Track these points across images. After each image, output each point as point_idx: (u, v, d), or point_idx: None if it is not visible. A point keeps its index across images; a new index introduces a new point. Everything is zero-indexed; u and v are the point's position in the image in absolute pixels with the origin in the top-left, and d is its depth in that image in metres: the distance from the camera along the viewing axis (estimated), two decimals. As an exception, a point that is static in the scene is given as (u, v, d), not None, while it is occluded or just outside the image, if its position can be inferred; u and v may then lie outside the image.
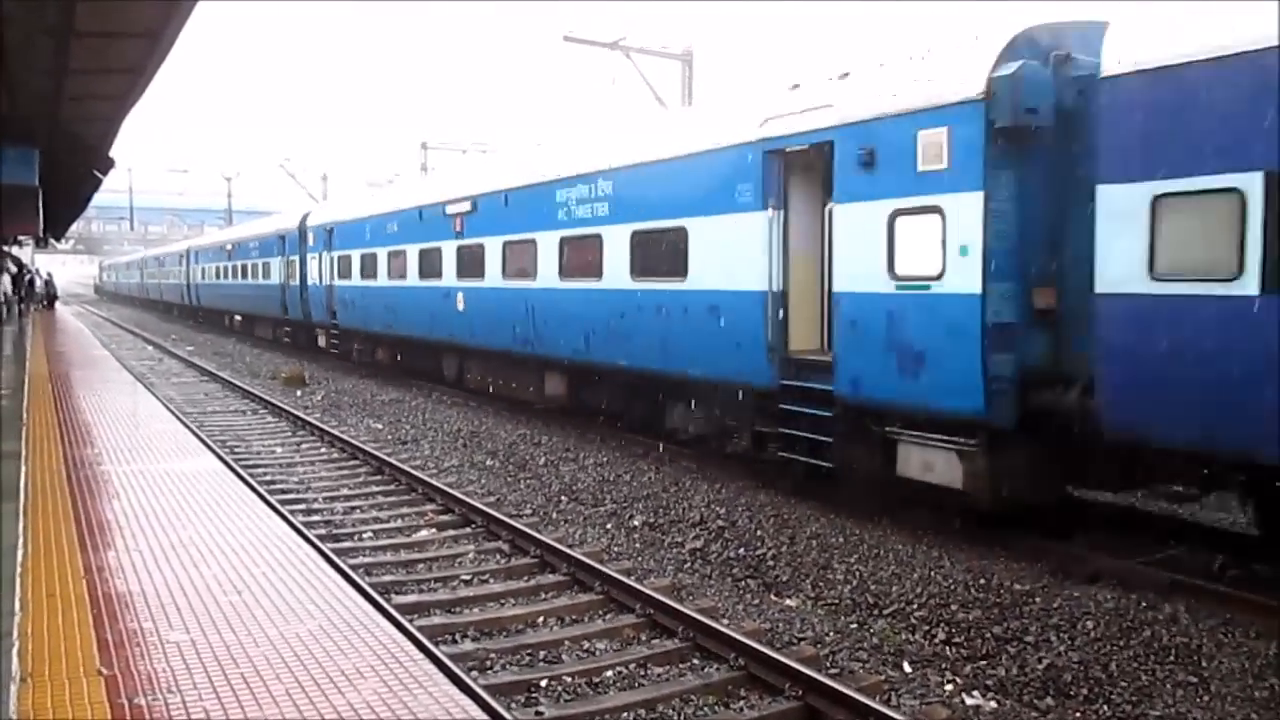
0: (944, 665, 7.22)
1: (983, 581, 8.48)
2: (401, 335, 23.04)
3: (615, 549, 10.27)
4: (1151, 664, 6.93)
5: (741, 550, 9.89)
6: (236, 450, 15.30)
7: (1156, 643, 7.19)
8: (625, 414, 15.36)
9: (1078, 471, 9.41)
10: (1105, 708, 6.43)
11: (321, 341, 29.06)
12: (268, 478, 13.30)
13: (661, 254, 13.01)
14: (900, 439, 9.82)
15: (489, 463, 14.52)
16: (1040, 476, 9.21)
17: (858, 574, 8.99)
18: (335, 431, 16.53)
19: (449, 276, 19.31)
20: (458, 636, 7.67)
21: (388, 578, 9.11)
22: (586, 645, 7.55)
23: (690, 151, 12.57)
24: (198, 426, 15.75)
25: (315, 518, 11.27)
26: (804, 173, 11.15)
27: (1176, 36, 7.69)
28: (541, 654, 7.35)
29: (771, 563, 9.50)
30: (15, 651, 4.86)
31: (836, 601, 8.56)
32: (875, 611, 8.26)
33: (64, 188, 22.81)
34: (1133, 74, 7.80)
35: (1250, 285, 7.07)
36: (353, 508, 11.92)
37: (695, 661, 7.24)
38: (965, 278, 8.95)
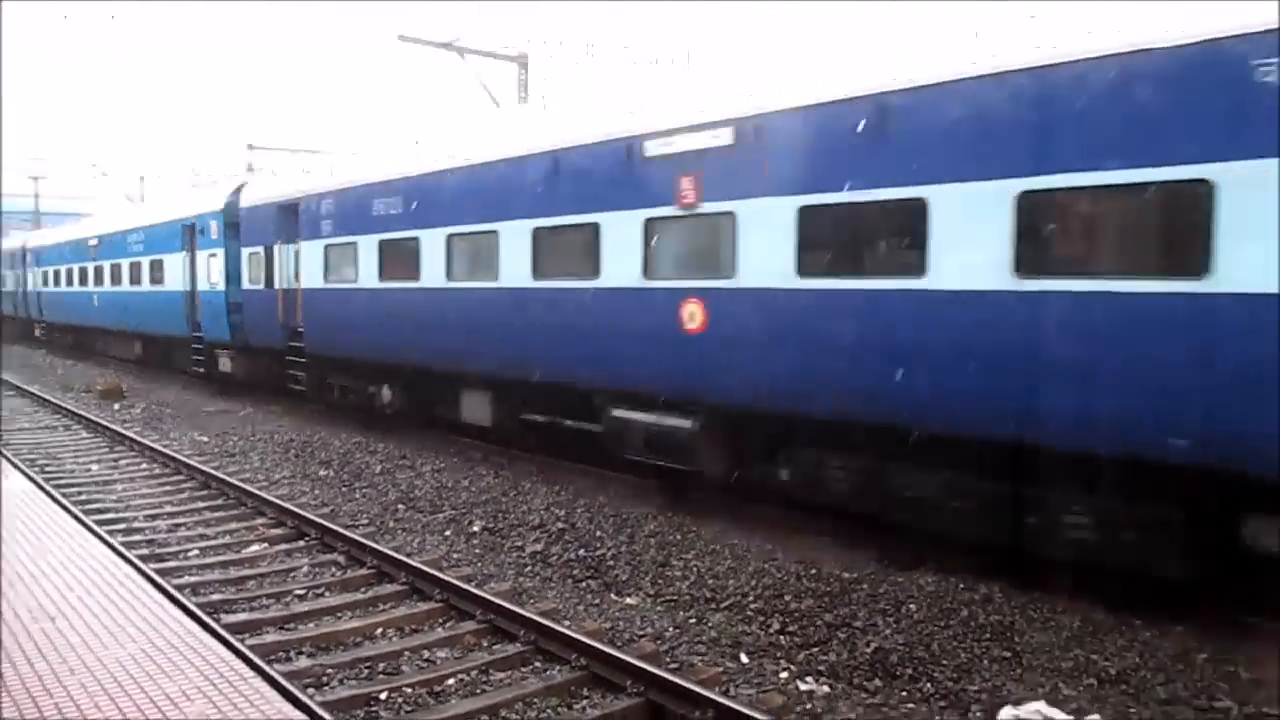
0: (779, 654, 7.46)
1: (814, 572, 8.82)
2: (72, 324, 35.15)
3: (454, 556, 10.18)
4: (970, 642, 7.35)
5: (582, 551, 9.96)
6: (48, 469, 14.41)
7: (974, 621, 7.63)
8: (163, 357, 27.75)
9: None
10: (929, 685, 6.78)
11: (37, 332, 40.70)
12: (83, 497, 12.58)
13: (154, 272, 25.46)
14: (219, 354, 21.77)
15: (322, 473, 14.15)
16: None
17: (695, 570, 9.20)
18: (157, 446, 15.77)
19: (91, 284, 31.55)
20: (292, 653, 7.46)
21: (216, 596, 8.77)
22: (427, 654, 7.47)
23: (163, 220, 24.94)
24: (3, 445, 14.74)
25: (136, 537, 10.74)
26: (196, 236, 22.61)
27: (249, 195, 20.18)
28: (380, 666, 7.23)
29: (611, 562, 9.61)
30: None
31: (675, 598, 8.73)
32: (713, 605, 8.47)
33: None
34: (244, 207, 20.02)
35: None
36: (177, 525, 11.41)
37: (537, 664, 7.27)
38: (222, 283, 20.91)
